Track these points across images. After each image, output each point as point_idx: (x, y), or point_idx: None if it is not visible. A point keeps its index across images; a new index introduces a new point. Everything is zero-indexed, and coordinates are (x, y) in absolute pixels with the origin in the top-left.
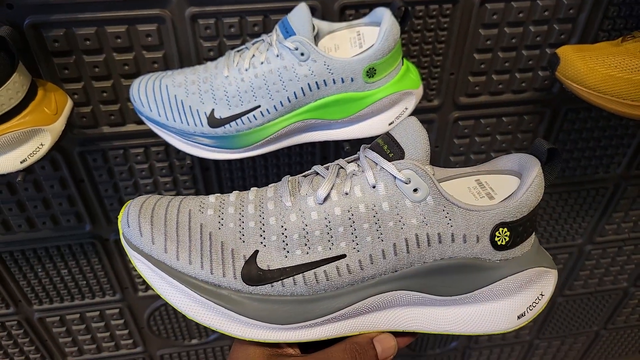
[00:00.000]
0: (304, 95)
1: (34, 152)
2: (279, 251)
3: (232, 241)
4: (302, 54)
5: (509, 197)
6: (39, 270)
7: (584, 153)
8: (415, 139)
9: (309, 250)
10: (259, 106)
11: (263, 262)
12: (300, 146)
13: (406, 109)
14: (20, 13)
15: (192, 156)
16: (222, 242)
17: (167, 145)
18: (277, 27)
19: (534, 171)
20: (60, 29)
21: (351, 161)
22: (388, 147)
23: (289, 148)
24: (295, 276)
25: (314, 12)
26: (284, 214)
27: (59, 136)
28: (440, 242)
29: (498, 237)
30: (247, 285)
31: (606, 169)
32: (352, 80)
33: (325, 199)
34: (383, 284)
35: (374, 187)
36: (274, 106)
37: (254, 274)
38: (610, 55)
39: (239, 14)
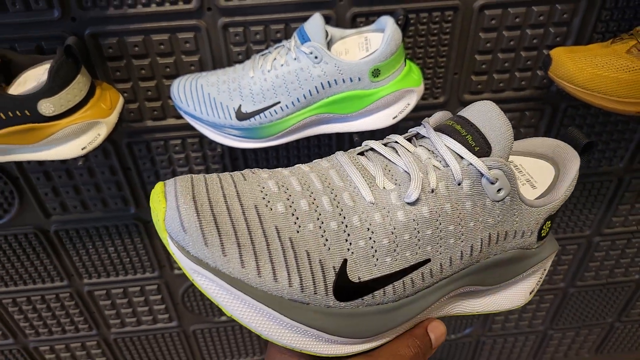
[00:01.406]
0: (318, 92)
1: (93, 141)
2: (368, 260)
3: (316, 249)
4: (315, 57)
5: (550, 188)
6: (90, 247)
7: None
8: (502, 131)
9: (397, 256)
10: (279, 102)
11: (354, 274)
12: (317, 137)
13: (408, 104)
14: (82, 25)
15: (222, 146)
16: (306, 251)
17: (201, 137)
18: (295, 34)
19: (575, 166)
20: (114, 37)
21: (409, 139)
22: (472, 138)
23: (307, 138)
24: (386, 287)
25: (329, 20)
26: (368, 212)
27: (112, 128)
28: (505, 239)
29: (544, 229)
30: (338, 301)
31: (609, 162)
32: (359, 79)
33: (417, 200)
34: (452, 282)
35: (459, 184)
36: (292, 102)
37: (347, 288)
38: (598, 56)
39: (263, 23)
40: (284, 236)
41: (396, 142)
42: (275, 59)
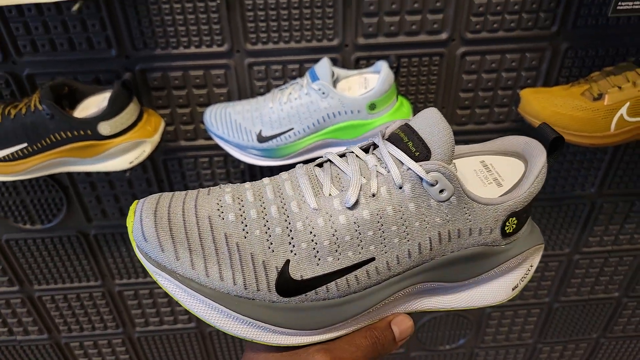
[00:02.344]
0: (324, 121)
1: (139, 156)
2: (311, 259)
3: (261, 251)
4: (323, 93)
5: (516, 185)
6: (123, 250)
7: (559, 173)
8: (440, 136)
9: (340, 256)
10: (293, 128)
11: (296, 273)
12: None
13: None
14: (134, 62)
15: (244, 163)
16: (251, 253)
17: (225, 156)
18: (307, 73)
19: (541, 161)
20: (158, 72)
21: (365, 149)
22: (413, 144)
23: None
24: (328, 284)
25: (336, 62)
26: (311, 217)
27: (155, 146)
28: (459, 236)
29: (507, 226)
30: (282, 297)
31: (582, 187)
32: (358, 111)
33: (355, 203)
34: (406, 279)
35: (400, 187)
36: (303, 129)
37: (288, 285)
38: (558, 96)
39: (282, 63)
40: (232, 241)
41: (352, 152)
42: (290, 93)
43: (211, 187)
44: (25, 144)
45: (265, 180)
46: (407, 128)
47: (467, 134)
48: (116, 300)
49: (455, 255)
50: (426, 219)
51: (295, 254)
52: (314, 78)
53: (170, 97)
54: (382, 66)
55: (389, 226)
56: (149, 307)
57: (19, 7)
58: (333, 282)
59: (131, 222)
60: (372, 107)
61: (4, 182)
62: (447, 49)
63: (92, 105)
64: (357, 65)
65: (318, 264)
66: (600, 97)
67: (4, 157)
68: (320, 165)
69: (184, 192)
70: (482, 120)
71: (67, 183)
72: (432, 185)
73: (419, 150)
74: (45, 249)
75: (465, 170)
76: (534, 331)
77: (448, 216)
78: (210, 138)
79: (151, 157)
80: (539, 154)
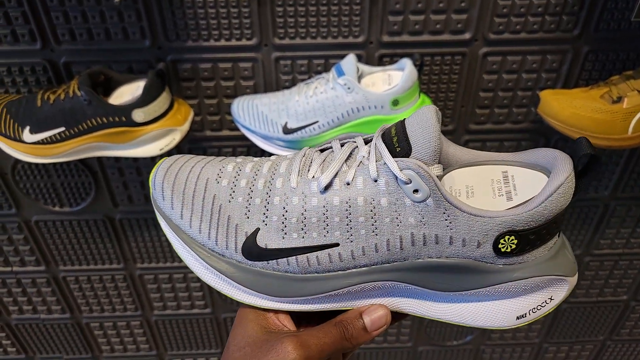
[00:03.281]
0: (348, 115)
1: (169, 144)
2: (278, 232)
3: (238, 216)
4: (348, 88)
5: (527, 201)
6: (146, 235)
7: None
8: (425, 135)
9: (304, 235)
10: (318, 121)
11: (262, 241)
12: None
13: None
14: (166, 52)
15: (267, 153)
16: (229, 216)
17: (249, 147)
18: (333, 69)
19: (562, 176)
20: (189, 63)
21: (368, 141)
22: (397, 139)
23: None
24: (289, 257)
25: (360, 58)
26: (288, 195)
27: (185, 135)
28: (437, 242)
29: (503, 244)
30: (246, 259)
31: (596, 189)
32: (382, 107)
33: (327, 187)
34: (375, 273)
35: (375, 180)
36: (328, 122)
37: (253, 250)
38: (577, 98)
39: (307, 58)
40: (217, 203)
41: (354, 140)
42: (316, 87)
43: (226, 157)
44: (63, 128)
45: (273, 157)
46: (400, 124)
47: (485, 132)
48: (137, 283)
49: (434, 262)
50: (399, 217)
51: (265, 224)
52: (340, 73)
53: (199, 88)
54: (407, 64)
55: (357, 216)
56: (167, 292)
57: None
58: (294, 257)
59: (152, 171)
60: (395, 103)
61: (36, 165)
62: (470, 48)
63: (126, 93)
64: (380, 62)
65: (283, 238)
66: (619, 100)
67: (42, 139)
68: (325, 149)
69: (202, 157)
70: (501, 120)
71: (96, 168)
72: (406, 183)
73: (401, 146)
74: (72, 231)
75: (482, 178)
76: (540, 330)
77: (424, 219)
78: (235, 129)
79: (177, 146)
80: (563, 170)
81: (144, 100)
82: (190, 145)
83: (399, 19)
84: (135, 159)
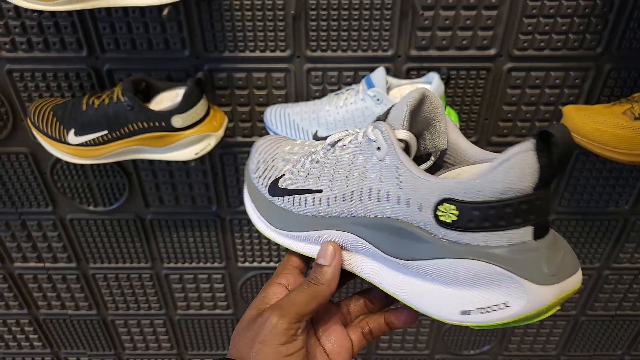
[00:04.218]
0: None
1: (204, 149)
2: (292, 178)
3: (280, 166)
4: (377, 100)
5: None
6: (174, 236)
7: (594, 189)
8: (400, 105)
9: (304, 181)
10: (347, 130)
11: (282, 183)
12: None
13: None
14: (203, 62)
15: None
16: (273, 165)
17: None
18: (363, 80)
19: (509, 153)
20: (224, 72)
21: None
22: (386, 111)
23: None
24: (293, 196)
25: (388, 71)
26: (309, 154)
27: (219, 140)
28: (387, 200)
29: (442, 213)
30: (268, 194)
31: (616, 204)
32: None
33: (334, 144)
34: (343, 223)
35: (360, 142)
36: None
37: (274, 188)
38: (599, 114)
39: (337, 70)
40: (273, 157)
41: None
42: (346, 98)
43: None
44: (106, 131)
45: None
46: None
47: (507, 145)
48: (162, 282)
49: (385, 221)
50: (365, 172)
51: (290, 172)
52: (370, 85)
53: (233, 96)
54: (434, 77)
55: (339, 169)
56: (191, 292)
57: (108, 8)
58: (297, 197)
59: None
60: None
61: (74, 166)
62: (495, 64)
63: (166, 99)
64: (407, 75)
65: (294, 182)
66: None
67: (86, 142)
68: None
69: (292, 139)
70: (523, 133)
71: (131, 170)
72: (373, 141)
73: (384, 115)
74: (104, 230)
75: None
76: (558, 343)
77: (382, 176)
78: (265, 135)
79: (209, 151)
80: (516, 148)
81: (183, 106)
82: (221, 150)
83: (427, 34)
84: (168, 162)
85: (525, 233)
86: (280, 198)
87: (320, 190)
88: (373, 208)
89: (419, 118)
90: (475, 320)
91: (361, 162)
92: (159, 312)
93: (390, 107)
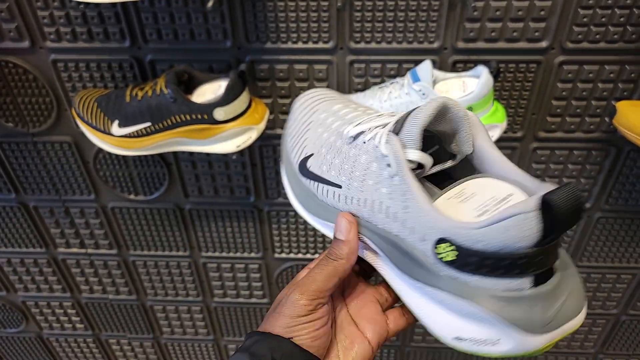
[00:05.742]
0: None
1: (246, 141)
2: (318, 163)
3: (311, 141)
4: (423, 94)
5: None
6: (212, 225)
7: None
8: (414, 121)
9: (328, 170)
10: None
11: (309, 164)
12: None
13: (492, 136)
14: (245, 53)
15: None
16: (305, 138)
17: None
18: (408, 74)
19: (512, 210)
20: (265, 64)
21: None
22: (398, 120)
23: None
24: (316, 182)
25: (434, 64)
26: (336, 136)
27: (261, 133)
28: (395, 220)
29: (441, 252)
30: (299, 172)
31: None
32: None
33: (355, 138)
34: (367, 227)
35: (376, 147)
36: None
37: (304, 167)
38: None
39: (381, 62)
40: (306, 129)
41: (393, 114)
42: (390, 92)
43: (350, 97)
44: (149, 123)
45: (362, 108)
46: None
47: (554, 141)
48: (200, 270)
49: (392, 237)
50: (378, 183)
51: (318, 152)
52: (415, 79)
53: (274, 87)
54: (483, 71)
55: (356, 170)
56: (228, 280)
57: None
58: (319, 184)
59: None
60: (469, 109)
61: (117, 156)
62: (545, 57)
63: (208, 91)
64: (453, 68)
65: (319, 167)
66: None
67: (129, 133)
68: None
69: (333, 97)
70: (572, 128)
71: (171, 160)
72: (384, 156)
73: (399, 125)
74: (144, 219)
75: (488, 191)
76: (597, 341)
77: (392, 194)
78: None
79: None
80: (522, 204)
81: (226, 99)
82: (261, 142)
83: (476, 25)
84: (208, 154)
85: (523, 282)
86: (308, 180)
87: (340, 187)
88: (383, 222)
89: (442, 123)
90: (467, 348)
91: (375, 170)
92: (196, 299)
93: (410, 113)
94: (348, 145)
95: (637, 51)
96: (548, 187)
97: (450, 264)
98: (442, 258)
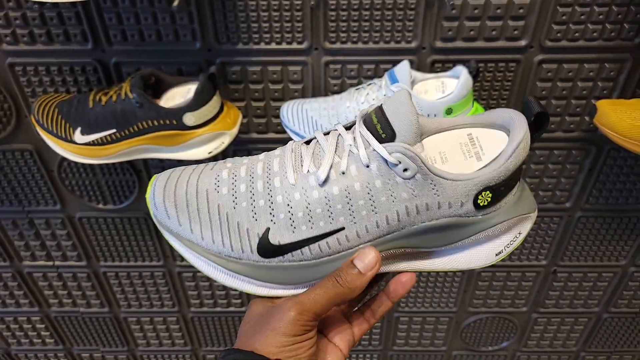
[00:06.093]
0: None
1: (218, 147)
2: (287, 228)
3: (246, 220)
4: None
5: (494, 160)
6: None
7: (625, 185)
8: (405, 119)
9: (312, 225)
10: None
11: (274, 238)
12: None
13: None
14: (215, 54)
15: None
16: (237, 221)
17: None
18: (386, 75)
19: (519, 135)
20: (237, 66)
21: (349, 127)
22: (381, 126)
23: None
24: (302, 248)
25: (412, 64)
26: (289, 192)
27: (233, 138)
28: (427, 210)
29: (480, 199)
30: (263, 258)
31: None
32: (435, 115)
33: (325, 180)
34: (378, 245)
35: (367, 166)
36: None
37: (268, 249)
38: (637, 109)
39: (358, 63)
40: (223, 211)
41: (336, 129)
42: (368, 93)
43: (216, 162)
44: (114, 130)
45: (261, 155)
46: (379, 110)
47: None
48: (175, 280)
49: (426, 226)
50: (393, 194)
51: (274, 223)
52: (393, 80)
53: (247, 90)
54: (462, 71)
55: (357, 200)
56: (205, 289)
57: None
58: (307, 247)
59: (147, 193)
60: (449, 111)
61: (82, 164)
62: (525, 55)
63: (177, 95)
64: (432, 68)
65: (294, 232)
66: None
67: (93, 141)
68: (308, 142)
69: (192, 167)
70: (552, 128)
71: (141, 167)
72: (396, 165)
73: (385, 132)
74: (114, 228)
75: (451, 144)
76: (579, 339)
77: (415, 192)
78: (281, 132)
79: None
80: (520, 128)
81: (196, 103)
82: (235, 147)
83: (454, 24)
84: (179, 160)
85: (519, 185)
86: (283, 256)
87: (342, 228)
88: (413, 221)
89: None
90: (505, 254)
91: (382, 185)
92: (172, 309)
93: (376, 107)
94: (321, 188)
95: (616, 49)
96: (493, 114)
97: (487, 205)
98: (482, 205)
